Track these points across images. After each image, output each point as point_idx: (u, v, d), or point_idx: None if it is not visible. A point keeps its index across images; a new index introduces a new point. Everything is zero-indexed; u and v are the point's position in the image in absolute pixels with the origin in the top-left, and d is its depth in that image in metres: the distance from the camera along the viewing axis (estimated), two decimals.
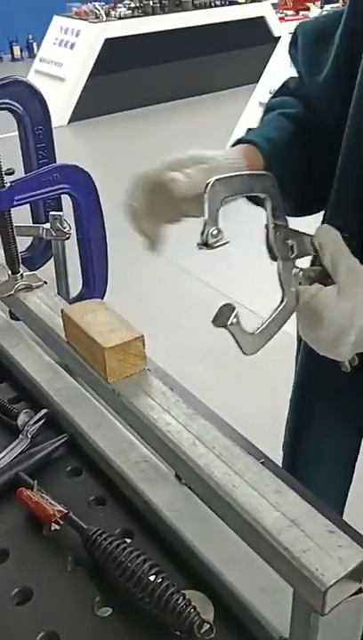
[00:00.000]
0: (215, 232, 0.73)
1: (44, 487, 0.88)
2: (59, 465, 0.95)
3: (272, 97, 1.07)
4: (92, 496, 0.90)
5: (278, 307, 0.80)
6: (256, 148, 0.90)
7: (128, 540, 0.81)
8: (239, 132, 5.91)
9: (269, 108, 1.03)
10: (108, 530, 0.82)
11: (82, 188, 1.02)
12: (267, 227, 0.78)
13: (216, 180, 0.72)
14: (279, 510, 0.61)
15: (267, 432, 1.36)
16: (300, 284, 0.79)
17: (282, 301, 0.80)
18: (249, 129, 1.00)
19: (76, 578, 0.79)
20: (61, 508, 0.84)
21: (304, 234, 0.81)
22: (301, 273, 0.80)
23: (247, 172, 0.76)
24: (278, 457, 1.04)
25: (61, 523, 0.83)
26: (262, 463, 0.94)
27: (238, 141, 0.92)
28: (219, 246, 0.74)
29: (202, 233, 0.74)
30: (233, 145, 0.93)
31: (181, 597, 0.72)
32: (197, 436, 0.70)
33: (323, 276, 0.80)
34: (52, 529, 0.83)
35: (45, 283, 1.13)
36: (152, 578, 0.74)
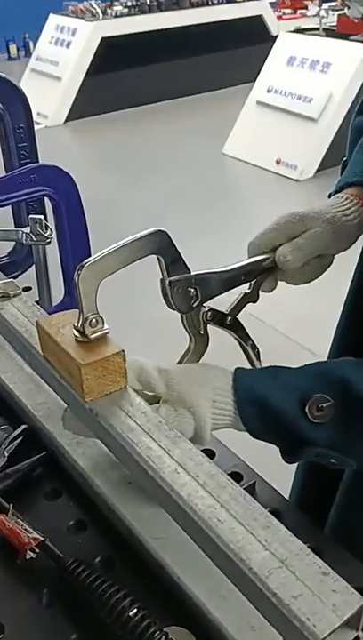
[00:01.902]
0: (94, 320, 0.68)
1: (21, 510, 0.82)
2: (37, 486, 0.89)
3: (358, 113, 0.99)
4: (72, 520, 0.84)
5: (185, 354, 0.79)
6: None
7: (108, 570, 0.75)
8: (237, 132, 5.81)
9: (358, 129, 0.96)
10: (88, 558, 0.76)
11: (62, 190, 0.96)
12: (163, 282, 0.74)
13: (85, 266, 0.65)
14: (268, 549, 0.55)
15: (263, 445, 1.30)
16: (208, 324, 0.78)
17: (189, 348, 0.79)
18: (344, 160, 0.95)
19: (52, 612, 0.73)
20: (37, 535, 0.78)
21: (212, 272, 0.77)
22: (209, 313, 0.78)
23: (128, 241, 0.68)
24: (273, 473, 0.99)
25: (37, 551, 0.77)
26: (252, 484, 0.89)
27: (345, 184, 0.87)
28: (98, 337, 0.70)
29: (78, 321, 0.69)
30: (340, 188, 0.87)
31: (164, 637, 0.67)
32: (179, 463, 0.64)
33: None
34: (28, 558, 0.77)
35: (28, 289, 1.07)
36: (132, 613, 0.69)
